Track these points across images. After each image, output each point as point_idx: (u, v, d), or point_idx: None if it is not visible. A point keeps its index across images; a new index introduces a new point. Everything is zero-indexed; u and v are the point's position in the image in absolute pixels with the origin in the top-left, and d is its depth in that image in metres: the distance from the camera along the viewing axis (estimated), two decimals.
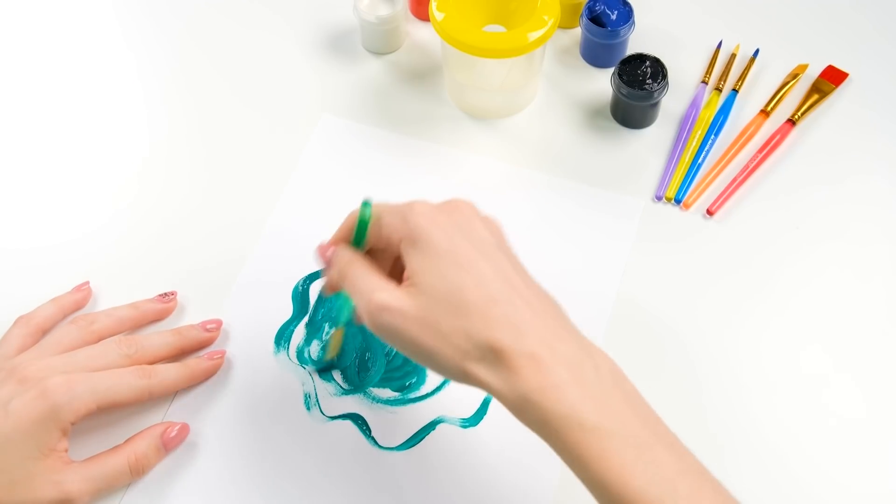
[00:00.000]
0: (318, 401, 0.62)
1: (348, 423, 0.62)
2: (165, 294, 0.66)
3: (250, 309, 0.66)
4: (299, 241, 0.68)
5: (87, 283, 0.66)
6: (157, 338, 0.62)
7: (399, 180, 0.73)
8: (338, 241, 0.55)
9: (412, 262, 0.50)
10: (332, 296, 0.61)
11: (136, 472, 0.58)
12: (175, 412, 0.62)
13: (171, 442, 0.59)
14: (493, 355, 0.47)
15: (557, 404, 0.46)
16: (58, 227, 0.71)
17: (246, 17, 0.83)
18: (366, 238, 0.54)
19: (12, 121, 0.77)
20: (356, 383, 0.63)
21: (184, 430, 0.60)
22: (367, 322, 0.50)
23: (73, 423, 0.56)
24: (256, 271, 0.68)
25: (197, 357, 0.63)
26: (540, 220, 0.70)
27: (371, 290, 0.50)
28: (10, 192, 0.73)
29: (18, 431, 0.54)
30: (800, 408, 0.62)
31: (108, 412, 0.59)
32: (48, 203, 0.72)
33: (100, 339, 0.62)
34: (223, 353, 0.63)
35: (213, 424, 0.61)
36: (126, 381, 0.58)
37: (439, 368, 0.49)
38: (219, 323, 0.65)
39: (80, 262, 0.68)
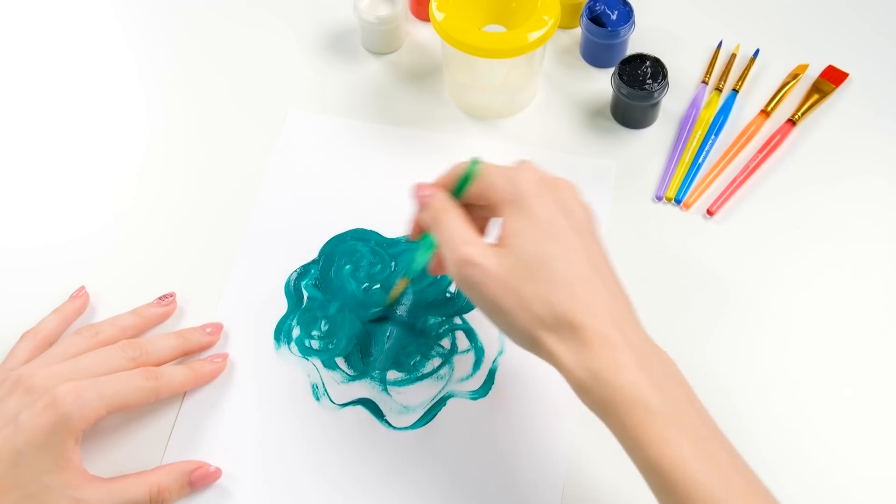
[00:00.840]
0: (325, 390, 0.63)
1: (359, 408, 0.62)
2: (164, 296, 0.66)
3: (245, 308, 0.66)
4: (281, 236, 0.69)
5: (83, 287, 0.66)
6: (161, 340, 0.62)
7: (370, 166, 0.73)
8: (437, 186, 0.55)
9: (510, 223, 0.51)
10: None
11: (156, 503, 0.57)
12: (186, 413, 0.62)
13: (201, 481, 0.59)
14: (569, 329, 0.49)
15: (625, 384, 0.47)
16: (49, 228, 0.71)
17: (246, 17, 0.83)
18: (465, 192, 0.54)
19: (5, 120, 0.77)
20: (361, 368, 0.64)
21: (216, 473, 0.59)
22: (451, 272, 0.52)
23: (84, 431, 0.55)
24: (245, 270, 0.68)
25: (201, 359, 0.63)
26: None
27: (462, 242, 0.51)
28: (1, 192, 0.73)
29: (32, 445, 0.53)
30: (799, 407, 0.62)
31: (118, 416, 0.59)
32: (32, 205, 0.72)
33: None
34: (225, 355, 0.64)
35: (226, 423, 0.62)
36: (133, 384, 0.58)
37: (511, 330, 0.51)
38: (218, 327, 0.65)
39: (73, 262, 0.69)
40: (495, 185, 0.52)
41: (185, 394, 0.62)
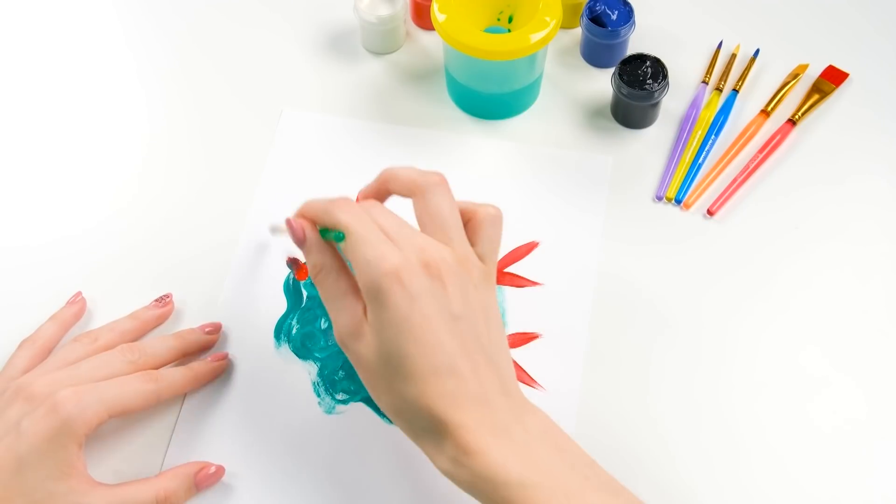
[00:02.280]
0: (326, 387, 0.63)
1: (360, 405, 0.62)
2: (161, 298, 0.66)
3: (244, 308, 0.67)
4: (280, 235, 0.69)
5: (80, 293, 0.66)
6: (160, 343, 0.62)
7: (367, 163, 0.73)
8: (310, 217, 0.54)
9: (370, 315, 0.51)
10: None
11: None
12: (187, 414, 0.62)
13: (205, 482, 0.59)
14: (427, 421, 0.50)
15: (484, 467, 0.48)
16: (47, 228, 0.71)
17: (246, 16, 0.83)
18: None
19: (5, 120, 0.77)
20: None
21: (219, 471, 0.59)
22: (336, 339, 0.53)
23: (86, 435, 0.55)
24: (243, 270, 0.68)
25: (200, 360, 0.63)
26: (520, 190, 0.72)
27: (338, 321, 0.52)
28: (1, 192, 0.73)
29: (35, 452, 0.53)
30: (800, 407, 0.62)
31: (118, 419, 0.59)
32: (30, 206, 0.72)
33: None
34: (226, 354, 0.64)
35: (227, 423, 0.62)
36: (133, 387, 0.58)
37: (384, 410, 0.53)
38: (217, 326, 0.65)
39: (69, 263, 0.68)
40: (357, 271, 0.51)
41: (185, 395, 0.62)
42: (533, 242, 0.69)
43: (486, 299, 0.52)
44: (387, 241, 0.50)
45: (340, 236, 0.52)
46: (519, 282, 0.67)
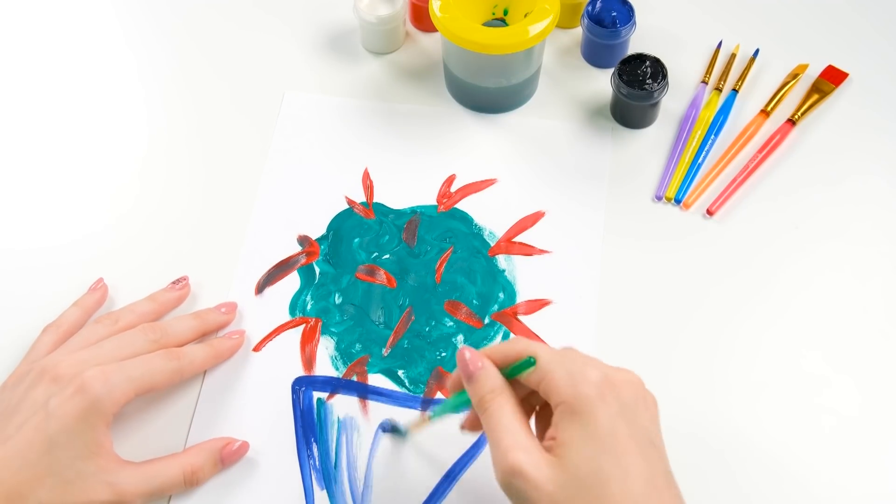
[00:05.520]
0: (345, 361, 0.64)
1: (379, 376, 0.64)
2: (177, 280, 0.66)
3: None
4: (289, 214, 0.71)
5: (101, 279, 0.67)
6: (180, 322, 0.63)
7: (371, 141, 0.75)
8: (487, 357, 0.51)
9: (566, 432, 0.47)
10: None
11: (191, 483, 0.58)
12: (208, 392, 0.63)
13: (231, 457, 0.59)
14: None
15: None
16: (57, 226, 0.71)
17: (245, 17, 0.83)
18: (518, 378, 0.50)
19: (10, 119, 0.77)
20: (377, 335, 0.65)
21: (244, 447, 0.60)
22: (498, 476, 0.48)
23: (114, 414, 0.55)
24: (255, 249, 0.69)
25: (219, 337, 0.64)
26: (523, 159, 0.73)
27: (511, 446, 0.47)
28: (6, 192, 0.73)
29: (64, 431, 0.54)
30: (800, 407, 0.62)
31: (141, 398, 0.59)
32: (42, 202, 0.72)
33: None
34: (242, 332, 0.65)
35: (248, 398, 0.62)
36: (158, 366, 0.58)
37: None
38: (233, 306, 0.66)
39: (87, 257, 0.69)
40: (556, 385, 0.48)
41: (205, 373, 0.63)
42: (539, 212, 0.70)
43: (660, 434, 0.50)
44: (579, 362, 0.49)
45: (531, 361, 0.49)
46: (528, 250, 0.68)
